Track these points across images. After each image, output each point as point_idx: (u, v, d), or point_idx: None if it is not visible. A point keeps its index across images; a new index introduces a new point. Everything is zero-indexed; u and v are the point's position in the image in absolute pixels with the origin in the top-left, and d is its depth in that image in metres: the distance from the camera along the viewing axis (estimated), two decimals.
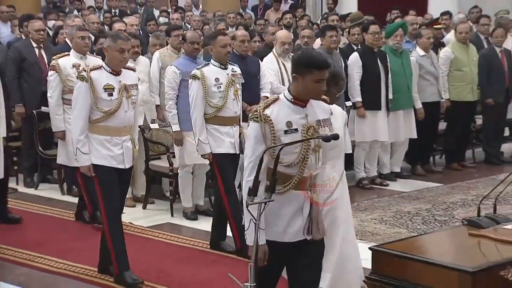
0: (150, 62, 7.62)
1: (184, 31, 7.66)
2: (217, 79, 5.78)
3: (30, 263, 5.75)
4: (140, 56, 7.43)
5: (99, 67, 5.12)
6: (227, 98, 5.80)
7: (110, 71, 5.08)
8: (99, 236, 5.31)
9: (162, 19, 12.25)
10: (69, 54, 6.78)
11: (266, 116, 3.53)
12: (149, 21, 11.00)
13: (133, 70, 5.39)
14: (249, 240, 3.52)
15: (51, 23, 10.53)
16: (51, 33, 9.51)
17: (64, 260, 5.73)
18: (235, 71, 5.98)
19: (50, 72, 6.74)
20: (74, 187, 7.66)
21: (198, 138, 5.75)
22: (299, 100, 3.60)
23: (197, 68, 5.87)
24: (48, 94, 6.77)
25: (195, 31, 8.86)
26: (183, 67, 6.68)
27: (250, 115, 3.63)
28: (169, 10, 14.08)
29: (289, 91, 3.63)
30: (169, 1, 15.76)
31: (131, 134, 5.25)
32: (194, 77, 5.78)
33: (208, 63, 5.92)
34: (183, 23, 11.49)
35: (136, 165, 5.46)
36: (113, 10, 13.22)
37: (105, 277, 5.32)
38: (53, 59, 6.80)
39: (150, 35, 9.03)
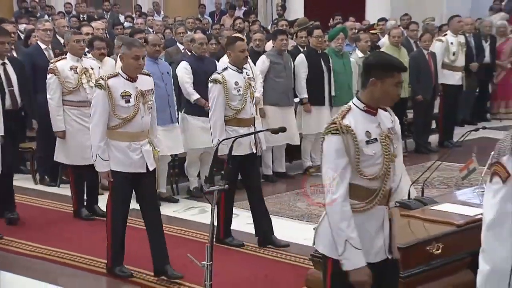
0: (115, 62, 7.54)
1: (147, 34, 7.59)
2: (236, 83, 5.51)
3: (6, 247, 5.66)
4: (107, 57, 7.33)
5: (116, 75, 4.80)
6: (246, 100, 5.59)
7: (127, 78, 4.75)
8: (71, 219, 5.24)
9: (127, 24, 12.12)
10: (66, 57, 6.52)
11: (347, 127, 2.96)
12: (116, 26, 10.87)
13: (149, 75, 5.02)
14: (348, 265, 2.93)
15: (22, 27, 10.35)
16: (22, 36, 9.35)
17: (40, 244, 5.66)
18: (249, 75, 5.79)
19: (49, 75, 6.44)
20: (46, 177, 7.55)
21: (218, 139, 5.31)
22: (371, 108, 3.06)
23: (217, 73, 5.60)
24: (48, 96, 6.47)
25: (157, 34, 8.80)
26: (145, 67, 6.62)
27: (326, 128, 3.04)
28: (134, 15, 13.94)
29: (358, 99, 3.08)
30: (133, 7, 15.60)
31: (150, 137, 4.95)
32: (216, 81, 5.49)
33: (226, 68, 5.61)
34: (146, 27, 11.37)
35: (158, 166, 5.04)
36: (81, 16, 13.04)
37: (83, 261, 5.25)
38: (51, 63, 6.55)
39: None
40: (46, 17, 12.29)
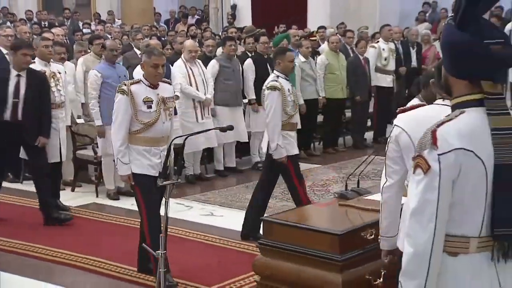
0: (75, 66, 7.44)
1: (105, 40, 7.47)
2: (289, 90, 5.39)
3: None
4: (67, 61, 7.18)
5: (138, 81, 4.55)
6: (297, 106, 5.51)
7: (148, 84, 4.50)
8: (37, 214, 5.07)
9: (85, 30, 11.89)
10: (35, 62, 6.25)
11: None
12: (76, 32, 10.66)
13: (169, 83, 4.83)
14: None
15: None
16: None
17: (6, 238, 5.51)
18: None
19: None
20: (9, 174, 7.34)
21: (277, 144, 5.22)
22: None
23: (275, 80, 5.34)
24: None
25: (115, 40, 8.67)
26: (103, 71, 6.55)
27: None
28: (92, 22, 13.70)
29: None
30: (92, 15, 15.32)
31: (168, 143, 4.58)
32: (274, 88, 5.27)
33: (278, 76, 5.38)
34: (105, 34, 11.18)
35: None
36: (42, 23, 12.73)
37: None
38: None
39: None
40: (8, 23, 11.94)
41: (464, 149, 1.95)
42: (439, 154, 1.94)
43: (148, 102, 4.45)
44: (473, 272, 2.00)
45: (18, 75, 5.88)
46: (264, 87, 5.45)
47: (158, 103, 4.49)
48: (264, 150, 5.56)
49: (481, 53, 1.95)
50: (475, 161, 1.95)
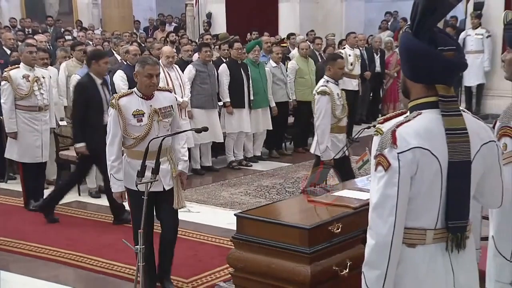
0: (58, 71, 7.35)
1: (86, 46, 7.40)
2: (338, 94, 5.38)
3: None
4: (50, 66, 7.10)
5: (130, 93, 4.08)
6: (345, 110, 5.46)
7: (141, 96, 4.04)
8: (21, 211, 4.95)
9: (68, 37, 11.75)
10: (19, 67, 6.22)
11: None
12: (59, 38, 10.53)
13: (169, 91, 4.31)
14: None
15: None
16: None
17: None
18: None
19: (3, 82, 6.17)
20: None
21: (326, 146, 5.23)
22: None
23: (325, 85, 5.31)
24: (2, 101, 6.19)
25: (96, 46, 8.59)
26: (83, 75, 6.46)
27: None
28: (75, 29, 13.55)
29: None
30: (74, 22, 15.15)
31: (169, 155, 4.13)
32: (324, 93, 5.26)
33: (327, 81, 5.36)
34: (86, 40, 11.06)
35: (177, 184, 4.18)
36: (26, 30, 12.54)
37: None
38: (5, 71, 6.25)
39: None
40: None
41: (421, 147, 1.97)
42: (398, 153, 1.97)
43: (138, 115, 4.00)
44: (429, 262, 2.03)
45: (101, 83, 5.85)
46: (314, 92, 5.45)
47: (150, 115, 4.02)
48: (312, 151, 5.54)
49: (436, 59, 1.98)
50: (431, 159, 1.98)
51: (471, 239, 2.12)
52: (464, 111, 2.07)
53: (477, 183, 2.08)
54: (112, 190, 4.13)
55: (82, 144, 5.71)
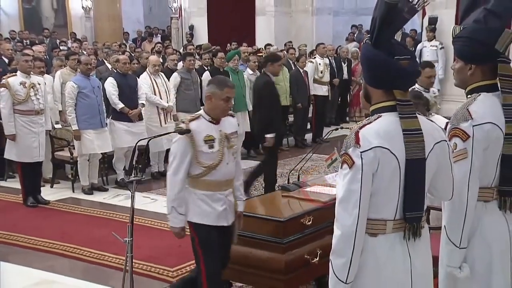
0: (53, 79, 7.26)
1: (79, 56, 7.32)
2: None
3: None
4: (46, 74, 7.01)
5: (198, 117, 3.33)
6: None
7: (210, 120, 3.32)
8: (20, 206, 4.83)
9: (63, 47, 11.61)
10: (16, 74, 6.14)
11: None
12: (54, 49, 10.42)
13: (232, 116, 3.51)
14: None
15: None
16: None
17: None
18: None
19: (2, 89, 6.07)
20: None
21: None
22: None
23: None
24: (1, 106, 6.10)
25: (89, 56, 8.50)
26: (79, 82, 6.43)
27: None
28: (69, 41, 13.39)
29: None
30: (69, 34, 14.98)
31: (233, 186, 3.46)
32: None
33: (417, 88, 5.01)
34: (80, 50, 10.92)
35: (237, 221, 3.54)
36: (24, 41, 12.36)
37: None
38: (3, 78, 6.17)
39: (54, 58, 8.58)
40: None
41: (381, 147, 1.99)
42: (361, 152, 1.98)
43: (209, 141, 3.28)
44: (389, 249, 2.05)
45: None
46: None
47: (221, 141, 3.32)
48: None
49: (393, 67, 2.00)
50: (390, 157, 2.00)
51: (425, 228, 2.14)
52: (419, 114, 2.09)
53: (431, 178, 2.11)
54: (171, 225, 3.35)
55: (272, 135, 5.90)
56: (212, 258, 3.30)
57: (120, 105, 6.75)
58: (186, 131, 3.22)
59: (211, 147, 3.28)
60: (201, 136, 3.27)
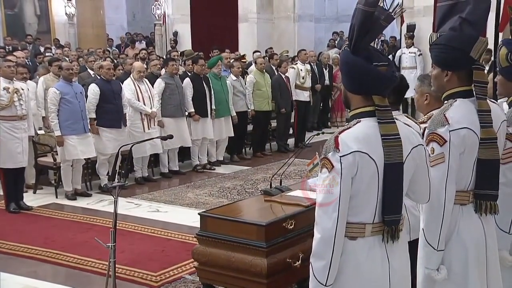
0: (37, 85, 7.17)
1: (62, 62, 7.25)
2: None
3: None
4: (29, 80, 6.92)
5: None
6: None
7: None
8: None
9: (47, 53, 11.49)
10: None
11: None
12: (38, 55, 10.30)
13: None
14: None
15: None
16: None
17: None
18: None
19: None
20: None
21: None
22: None
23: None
24: None
25: (72, 62, 8.42)
26: (62, 88, 6.37)
27: None
28: (53, 47, 13.27)
29: None
30: (52, 40, 14.84)
31: None
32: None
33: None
34: (63, 57, 10.81)
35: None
36: (7, 47, 12.21)
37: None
38: None
39: (38, 65, 8.47)
40: None
41: (360, 151, 1.99)
42: (340, 156, 1.98)
43: None
44: (368, 252, 2.05)
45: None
46: None
47: None
48: None
49: (371, 73, 2.01)
50: (369, 161, 2.01)
51: (403, 231, 2.15)
52: (397, 119, 2.11)
53: (408, 181, 2.12)
54: None
55: None
56: None
57: (92, 115, 6.70)
58: (169, 137, 3.23)
59: None
60: None
